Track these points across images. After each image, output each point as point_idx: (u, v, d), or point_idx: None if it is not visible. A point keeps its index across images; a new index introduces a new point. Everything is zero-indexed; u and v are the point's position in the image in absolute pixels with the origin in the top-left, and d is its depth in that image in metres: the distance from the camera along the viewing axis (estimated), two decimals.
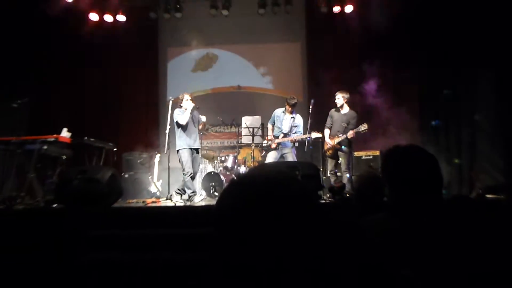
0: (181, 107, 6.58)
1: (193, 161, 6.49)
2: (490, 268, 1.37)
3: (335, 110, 6.84)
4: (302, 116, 7.09)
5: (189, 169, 6.35)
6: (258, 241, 0.73)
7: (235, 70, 9.59)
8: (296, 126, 6.92)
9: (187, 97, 6.60)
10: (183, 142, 6.43)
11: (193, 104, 6.54)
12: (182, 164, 6.40)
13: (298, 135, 6.81)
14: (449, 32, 7.28)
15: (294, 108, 6.94)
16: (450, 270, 1.37)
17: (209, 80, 9.62)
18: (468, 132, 7.04)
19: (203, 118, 6.72)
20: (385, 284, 1.13)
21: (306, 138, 6.66)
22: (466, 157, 7.20)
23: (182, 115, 6.45)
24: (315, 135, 6.55)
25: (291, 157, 6.85)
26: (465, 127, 7.18)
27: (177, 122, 6.44)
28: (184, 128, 6.45)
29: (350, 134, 6.46)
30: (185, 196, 6.40)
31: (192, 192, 6.38)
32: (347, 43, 8.74)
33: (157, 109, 9.34)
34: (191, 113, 6.48)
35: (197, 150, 6.59)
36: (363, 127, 6.41)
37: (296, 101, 6.93)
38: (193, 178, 6.44)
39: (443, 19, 7.39)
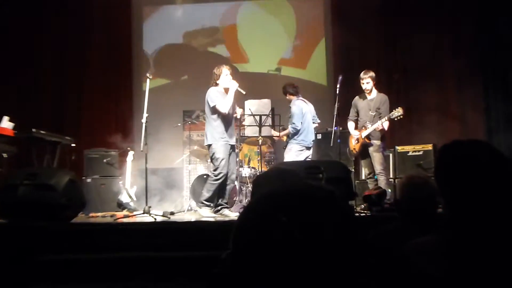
0: (217, 84, 6.32)
1: (229, 160, 6.31)
2: None
3: (360, 97, 6.81)
4: (325, 99, 7.07)
5: (223, 169, 6.18)
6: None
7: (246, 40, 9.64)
8: (289, 117, 6.91)
9: (226, 71, 6.29)
10: (220, 135, 6.22)
11: (237, 84, 6.23)
12: (214, 163, 6.24)
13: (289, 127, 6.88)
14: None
15: (293, 95, 6.97)
16: None
17: (210, 54, 9.60)
18: None
19: (238, 110, 6.52)
20: None
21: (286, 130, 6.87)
22: None
23: (223, 99, 6.20)
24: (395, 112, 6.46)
25: (286, 154, 6.89)
26: None
27: (214, 108, 6.20)
28: (223, 117, 6.23)
29: (383, 122, 6.40)
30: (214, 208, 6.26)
31: (225, 202, 6.33)
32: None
33: (131, 91, 9.35)
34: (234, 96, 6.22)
35: (233, 147, 6.44)
36: (397, 112, 6.36)
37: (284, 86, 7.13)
38: (224, 183, 6.28)
39: None
